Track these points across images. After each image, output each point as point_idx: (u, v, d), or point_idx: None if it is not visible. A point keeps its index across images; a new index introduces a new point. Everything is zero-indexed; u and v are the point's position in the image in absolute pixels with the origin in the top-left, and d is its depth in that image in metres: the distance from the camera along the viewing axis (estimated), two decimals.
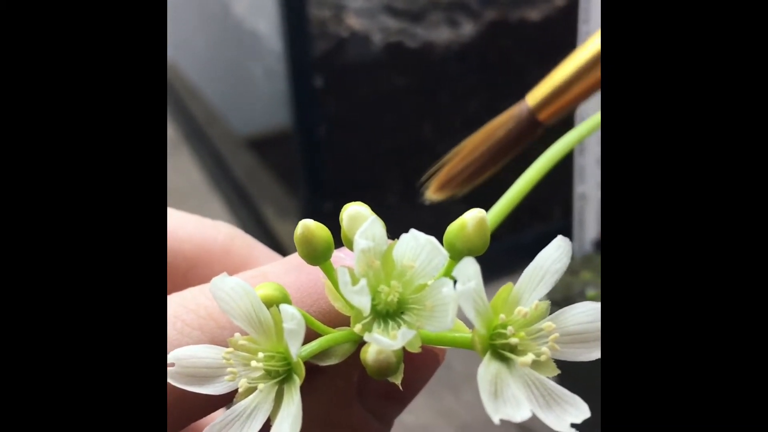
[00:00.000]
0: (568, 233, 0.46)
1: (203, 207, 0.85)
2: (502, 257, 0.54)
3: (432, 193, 0.17)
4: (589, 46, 0.16)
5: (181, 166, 0.94)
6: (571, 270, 0.52)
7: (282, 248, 0.73)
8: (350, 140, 0.68)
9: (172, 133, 1.00)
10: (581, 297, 0.50)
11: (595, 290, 0.49)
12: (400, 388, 0.18)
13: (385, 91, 0.68)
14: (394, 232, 0.19)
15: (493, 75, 0.70)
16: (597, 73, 0.15)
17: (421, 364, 0.20)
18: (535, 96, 0.16)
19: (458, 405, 0.59)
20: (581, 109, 0.43)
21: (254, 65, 0.78)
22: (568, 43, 0.48)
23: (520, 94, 0.74)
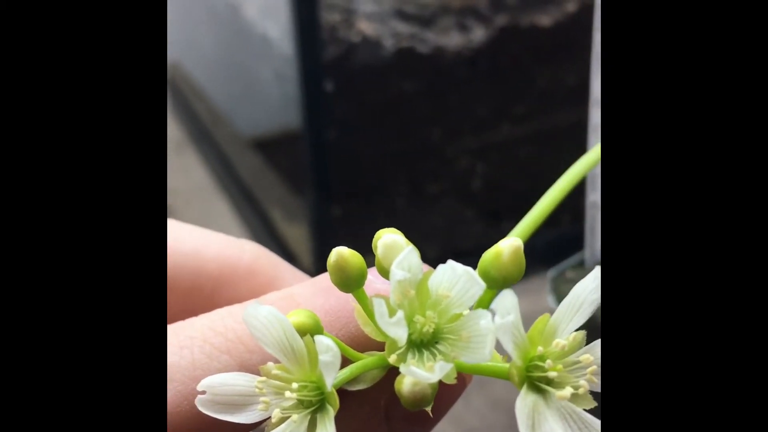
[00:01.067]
0: (579, 241, 0.46)
1: (209, 209, 0.85)
2: None
3: None
4: None
5: (187, 168, 0.93)
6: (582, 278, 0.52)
7: (289, 251, 0.73)
8: (359, 144, 0.68)
9: (179, 134, 1.00)
10: None
11: None
12: (431, 414, 0.18)
13: (395, 96, 0.68)
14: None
15: (504, 80, 0.70)
16: None
17: (448, 389, 0.20)
18: None
19: (467, 412, 0.59)
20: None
21: (264, 68, 0.78)
22: (579, 49, 0.48)
23: (531, 99, 0.74)
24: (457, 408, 0.63)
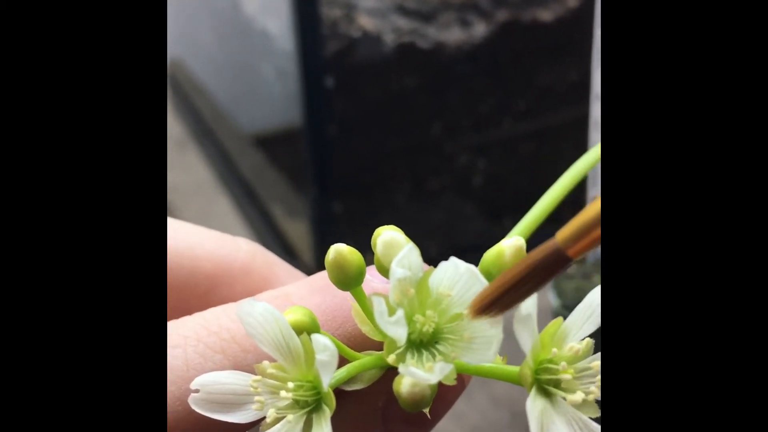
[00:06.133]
0: None
1: (211, 205, 0.85)
2: None
3: (471, 317, 0.17)
4: None
5: (189, 165, 0.93)
6: (584, 274, 0.52)
7: (290, 247, 0.73)
8: (360, 140, 0.68)
9: (180, 131, 0.99)
10: None
11: None
12: (429, 416, 0.18)
13: (396, 91, 0.67)
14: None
15: (505, 76, 0.69)
16: None
17: (447, 391, 0.19)
18: (563, 234, 0.16)
19: (469, 408, 0.58)
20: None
21: (264, 64, 0.78)
22: (580, 45, 0.47)
23: (532, 95, 0.73)
24: (459, 405, 0.63)
